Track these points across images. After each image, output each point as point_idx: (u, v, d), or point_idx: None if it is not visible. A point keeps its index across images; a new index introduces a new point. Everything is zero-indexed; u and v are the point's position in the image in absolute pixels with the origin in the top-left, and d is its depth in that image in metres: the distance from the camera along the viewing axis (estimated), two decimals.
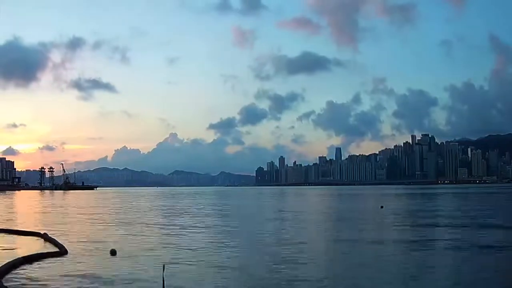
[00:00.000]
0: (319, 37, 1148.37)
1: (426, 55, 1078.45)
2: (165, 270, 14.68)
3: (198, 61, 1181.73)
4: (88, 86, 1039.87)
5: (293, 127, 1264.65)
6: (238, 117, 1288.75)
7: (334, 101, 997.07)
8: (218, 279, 17.99)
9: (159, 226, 40.29)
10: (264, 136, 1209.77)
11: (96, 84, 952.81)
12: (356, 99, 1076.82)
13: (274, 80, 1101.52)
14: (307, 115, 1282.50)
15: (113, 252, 23.82)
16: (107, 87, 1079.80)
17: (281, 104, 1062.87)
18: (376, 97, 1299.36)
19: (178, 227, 39.47)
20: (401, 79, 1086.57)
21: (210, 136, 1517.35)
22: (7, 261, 19.68)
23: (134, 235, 33.38)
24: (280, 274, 18.79)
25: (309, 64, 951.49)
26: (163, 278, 14.58)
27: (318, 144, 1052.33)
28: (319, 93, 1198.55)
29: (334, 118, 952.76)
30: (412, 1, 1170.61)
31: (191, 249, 25.70)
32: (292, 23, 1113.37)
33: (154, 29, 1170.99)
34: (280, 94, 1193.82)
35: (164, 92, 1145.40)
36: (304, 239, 30.72)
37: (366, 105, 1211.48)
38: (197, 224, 42.05)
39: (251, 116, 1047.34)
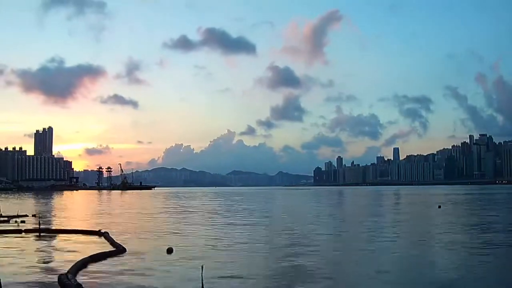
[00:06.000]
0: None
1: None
2: (203, 270, 15.07)
3: (195, 81, 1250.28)
4: (114, 102, 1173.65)
5: (303, 131, 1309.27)
6: (256, 126, 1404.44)
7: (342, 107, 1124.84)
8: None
9: (217, 226, 40.40)
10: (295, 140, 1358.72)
11: (121, 100, 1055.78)
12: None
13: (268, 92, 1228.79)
14: (321, 121, 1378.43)
15: (169, 251, 24.03)
16: (131, 102, 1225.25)
17: (280, 113, 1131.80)
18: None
19: (236, 226, 39.56)
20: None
21: (248, 141, 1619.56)
22: (76, 260, 20.29)
23: (191, 234, 33.76)
24: None
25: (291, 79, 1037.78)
26: (202, 278, 14.80)
27: (352, 146, 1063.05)
28: (315, 100, 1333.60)
29: (340, 120, 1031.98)
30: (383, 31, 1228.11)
31: (248, 250, 25.63)
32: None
33: (165, 57, 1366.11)
34: (277, 104, 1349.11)
35: (180, 108, 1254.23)
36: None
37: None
38: (256, 224, 42.03)
39: (265, 124, 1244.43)
